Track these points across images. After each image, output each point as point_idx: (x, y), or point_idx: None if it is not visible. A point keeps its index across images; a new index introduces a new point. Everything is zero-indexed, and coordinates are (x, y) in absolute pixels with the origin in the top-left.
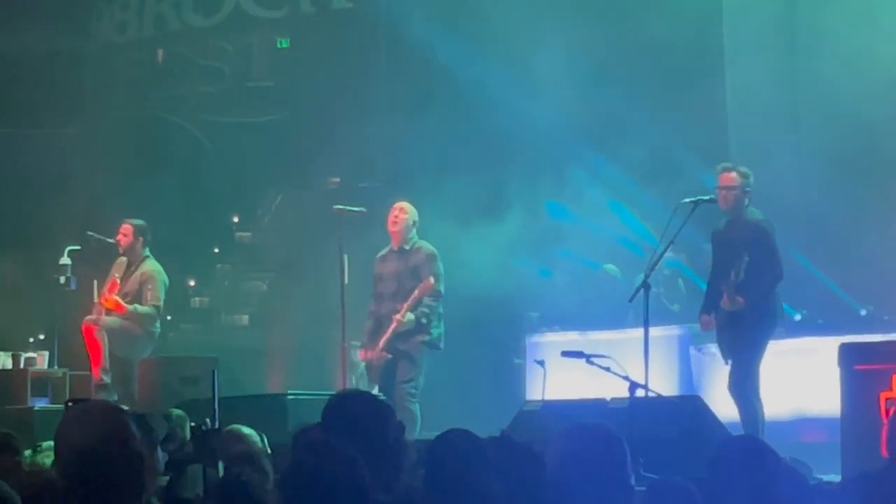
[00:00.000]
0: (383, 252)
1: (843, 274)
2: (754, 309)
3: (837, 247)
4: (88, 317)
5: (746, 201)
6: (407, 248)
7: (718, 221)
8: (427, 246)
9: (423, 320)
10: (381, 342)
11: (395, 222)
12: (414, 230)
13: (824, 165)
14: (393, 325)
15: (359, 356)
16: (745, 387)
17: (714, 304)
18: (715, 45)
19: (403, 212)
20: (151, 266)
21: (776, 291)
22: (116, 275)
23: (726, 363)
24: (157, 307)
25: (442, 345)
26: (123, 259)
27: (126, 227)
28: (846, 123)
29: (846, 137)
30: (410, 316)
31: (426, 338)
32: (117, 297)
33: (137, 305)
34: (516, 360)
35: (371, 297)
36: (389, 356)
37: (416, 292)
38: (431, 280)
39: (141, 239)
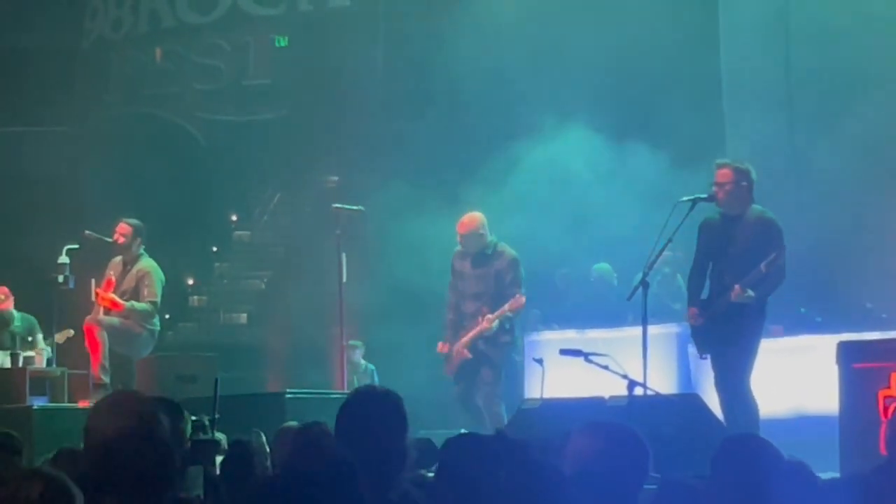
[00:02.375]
0: (462, 249)
1: (840, 271)
2: (755, 307)
3: (836, 244)
4: (89, 316)
5: (746, 196)
6: (489, 252)
7: (712, 213)
8: (509, 251)
9: (507, 325)
10: (464, 341)
11: (462, 244)
12: (486, 235)
13: (821, 158)
14: (478, 329)
15: (437, 348)
16: (740, 385)
17: (699, 293)
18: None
19: (464, 227)
20: (147, 263)
21: None
22: (112, 273)
23: (702, 358)
24: (154, 303)
25: (519, 343)
26: (119, 258)
27: (123, 227)
28: (843, 124)
29: (845, 134)
30: (496, 323)
31: (508, 338)
32: (113, 295)
33: (134, 302)
34: (515, 358)
35: (448, 292)
36: (470, 356)
37: (507, 307)
38: (523, 299)
39: (138, 239)
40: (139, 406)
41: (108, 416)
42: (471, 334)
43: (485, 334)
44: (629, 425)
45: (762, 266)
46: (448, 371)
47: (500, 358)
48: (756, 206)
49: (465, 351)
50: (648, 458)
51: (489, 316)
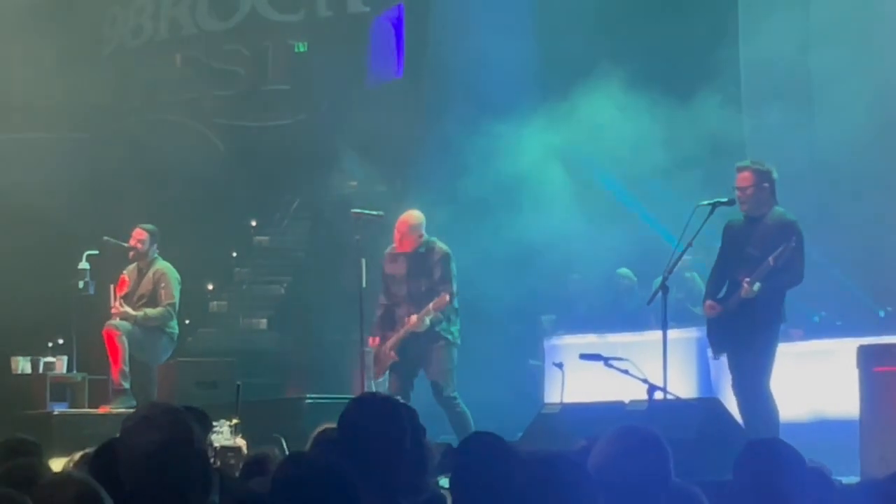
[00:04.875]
0: (392, 250)
1: (861, 274)
2: (769, 307)
3: (855, 247)
4: (109, 321)
5: (768, 198)
6: (422, 251)
7: (736, 215)
8: (440, 245)
9: (437, 328)
10: (391, 343)
11: (399, 245)
12: (420, 233)
13: (840, 162)
14: (405, 329)
15: (367, 343)
16: (757, 387)
17: (716, 293)
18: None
19: (406, 236)
20: (163, 265)
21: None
22: (127, 276)
23: (716, 358)
24: (172, 304)
25: (460, 340)
26: (133, 265)
27: (140, 233)
28: (863, 121)
29: (864, 135)
30: (426, 321)
31: (447, 338)
32: (126, 309)
33: (147, 310)
34: (532, 362)
35: (380, 291)
36: (397, 358)
37: (431, 305)
38: (447, 297)
39: (154, 244)
40: (174, 418)
41: (145, 430)
42: (397, 335)
43: (416, 331)
44: (652, 429)
45: (770, 259)
46: (376, 374)
47: (442, 360)
48: (778, 208)
49: (392, 353)
50: (670, 461)
51: (413, 316)
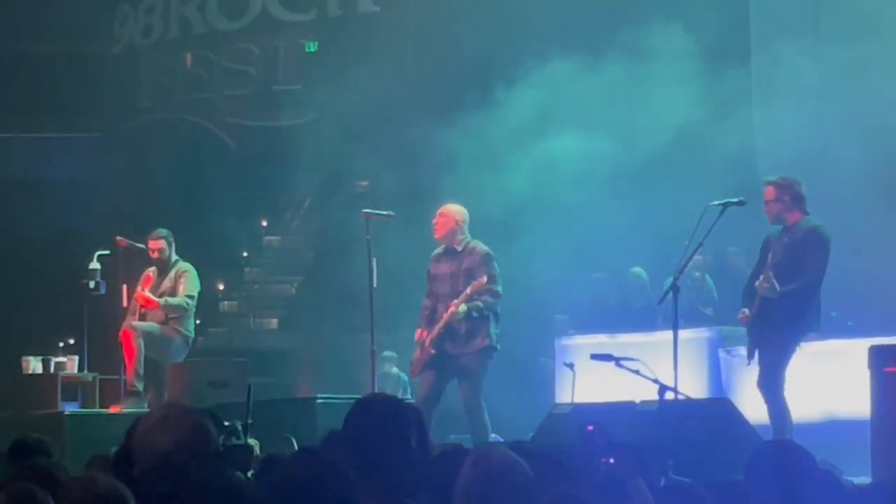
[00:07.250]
0: (438, 251)
1: (870, 274)
2: (788, 308)
3: (864, 246)
4: (126, 322)
5: (791, 209)
6: (459, 249)
7: (774, 228)
8: (481, 246)
9: (475, 314)
10: (430, 338)
11: (435, 229)
12: (461, 230)
13: (852, 164)
14: (445, 318)
15: (416, 335)
16: (771, 386)
17: (749, 300)
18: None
19: (442, 216)
20: (185, 265)
21: (817, 299)
22: (149, 270)
23: (749, 362)
24: (191, 297)
25: (499, 345)
26: (154, 267)
27: (156, 242)
28: (874, 119)
29: (875, 137)
30: (463, 307)
31: (485, 342)
32: (148, 293)
33: (168, 298)
34: (541, 359)
35: (425, 295)
36: (434, 352)
37: (469, 289)
38: (484, 279)
39: (172, 246)
40: (191, 418)
41: (162, 431)
42: (437, 328)
43: (451, 321)
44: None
45: (769, 256)
46: (412, 373)
47: (477, 367)
48: (808, 217)
49: (430, 348)
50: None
51: (454, 301)
